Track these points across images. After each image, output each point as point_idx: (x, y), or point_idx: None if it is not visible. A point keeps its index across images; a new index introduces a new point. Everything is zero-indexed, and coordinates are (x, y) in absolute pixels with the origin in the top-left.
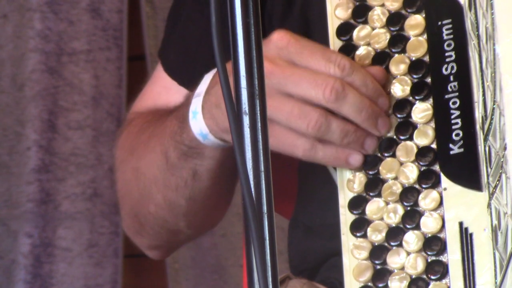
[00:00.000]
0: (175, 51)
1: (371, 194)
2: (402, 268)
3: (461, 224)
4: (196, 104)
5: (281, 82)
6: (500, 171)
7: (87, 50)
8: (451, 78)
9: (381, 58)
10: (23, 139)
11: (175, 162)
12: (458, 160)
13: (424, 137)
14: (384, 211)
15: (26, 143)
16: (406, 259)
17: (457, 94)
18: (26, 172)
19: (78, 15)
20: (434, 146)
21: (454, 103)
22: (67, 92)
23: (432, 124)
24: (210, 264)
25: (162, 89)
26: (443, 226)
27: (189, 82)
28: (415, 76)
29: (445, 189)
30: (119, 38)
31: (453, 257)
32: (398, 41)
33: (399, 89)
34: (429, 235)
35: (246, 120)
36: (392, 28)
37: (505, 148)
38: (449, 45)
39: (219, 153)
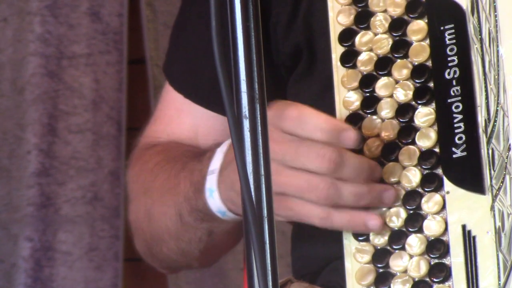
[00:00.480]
0: (179, 64)
1: None
2: (405, 271)
3: (464, 227)
4: (211, 182)
5: (282, 158)
6: (504, 172)
7: (87, 53)
8: (454, 82)
9: (384, 63)
10: (23, 142)
11: (189, 222)
12: (461, 163)
13: (426, 139)
14: (386, 215)
15: (26, 146)
16: (409, 262)
17: (459, 98)
18: (26, 175)
19: (78, 18)
20: (437, 150)
21: (457, 107)
22: (67, 96)
23: (435, 127)
24: (211, 267)
25: (173, 112)
26: (446, 229)
27: (197, 94)
28: (417, 80)
29: (448, 192)
30: (119, 41)
31: (456, 260)
32: (401, 46)
33: (402, 93)
34: (432, 238)
35: (246, 124)
36: (394, 34)
37: (509, 149)
38: (451, 49)
39: (236, 219)
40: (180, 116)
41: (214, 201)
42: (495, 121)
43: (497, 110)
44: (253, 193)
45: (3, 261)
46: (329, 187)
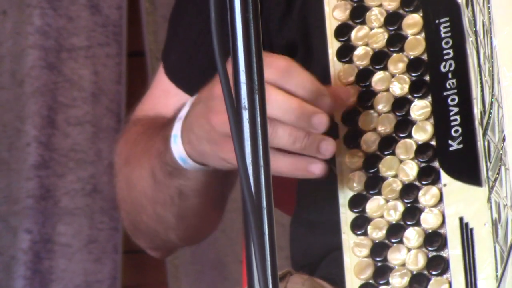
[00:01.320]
0: (176, 54)
1: (371, 192)
2: (403, 265)
3: (461, 219)
4: (177, 128)
5: None
6: (500, 164)
7: (86, 46)
8: (450, 75)
9: (380, 57)
10: (23, 135)
11: (161, 180)
12: (457, 156)
13: (423, 132)
14: (384, 209)
15: (26, 139)
16: (407, 256)
17: (455, 91)
18: (25, 168)
19: (78, 11)
20: (433, 143)
21: (452, 100)
22: (67, 88)
23: (431, 121)
24: (210, 259)
25: (161, 92)
26: (443, 222)
27: (188, 85)
28: (413, 74)
29: (445, 185)
30: (118, 34)
31: (454, 252)
32: (396, 40)
33: (398, 87)
34: (430, 231)
35: (245, 115)
36: (390, 28)
37: (504, 140)
38: (447, 43)
39: (202, 175)
40: (167, 97)
41: (177, 146)
42: (490, 113)
43: (492, 102)
44: (252, 184)
45: (2, 253)
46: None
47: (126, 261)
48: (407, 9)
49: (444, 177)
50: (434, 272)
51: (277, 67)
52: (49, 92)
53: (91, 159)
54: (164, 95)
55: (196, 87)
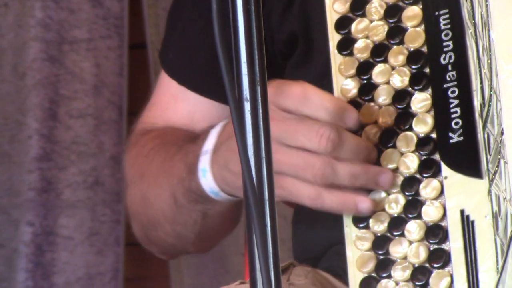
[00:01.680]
0: (174, 51)
1: None
2: (405, 258)
3: (462, 212)
4: (204, 163)
5: (280, 136)
6: (499, 157)
7: (88, 38)
8: (450, 67)
9: (380, 50)
10: (24, 128)
11: (184, 204)
12: (458, 148)
13: (423, 125)
14: (385, 202)
15: (27, 131)
16: (409, 248)
17: (455, 83)
18: (27, 160)
19: (79, 3)
20: (434, 135)
21: (453, 92)
22: (68, 81)
23: (431, 113)
24: (212, 252)
25: (169, 98)
26: (444, 214)
27: (190, 81)
28: (413, 66)
29: (445, 177)
30: (120, 26)
31: (455, 245)
32: (396, 32)
33: (398, 80)
34: (431, 224)
35: (247, 106)
36: (390, 20)
37: (502, 133)
38: (446, 34)
39: (229, 200)
40: (175, 103)
41: (207, 181)
42: (489, 105)
43: (491, 95)
44: (254, 176)
45: (4, 246)
46: (325, 166)
47: (128, 253)
48: (406, 1)
49: (445, 169)
50: (435, 265)
51: (294, 95)
52: (50, 84)
53: (92, 152)
54: (173, 101)
55: (199, 82)
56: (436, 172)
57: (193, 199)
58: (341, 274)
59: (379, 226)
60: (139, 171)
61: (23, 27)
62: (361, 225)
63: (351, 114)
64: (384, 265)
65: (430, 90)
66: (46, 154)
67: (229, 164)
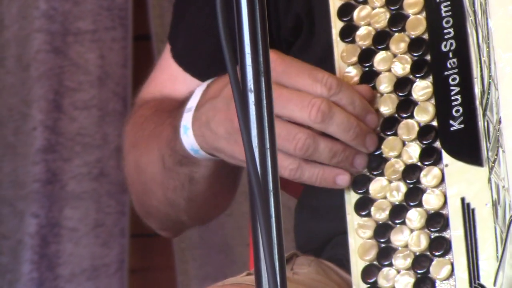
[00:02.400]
0: (183, 38)
1: (374, 173)
2: (406, 246)
3: (463, 200)
4: (187, 120)
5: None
6: (497, 145)
7: (92, 30)
8: (450, 55)
9: (381, 37)
10: (29, 119)
11: (171, 167)
12: (458, 136)
13: (425, 113)
14: (387, 190)
15: (32, 123)
16: (410, 237)
17: (456, 70)
18: (32, 152)
19: None
20: (434, 123)
21: (453, 79)
22: (73, 72)
23: (432, 101)
24: (217, 243)
25: (168, 77)
26: (445, 202)
27: (196, 70)
28: (415, 54)
29: (446, 165)
30: (124, 17)
31: (455, 233)
32: (398, 20)
33: (400, 67)
34: (432, 212)
35: (251, 97)
36: (391, 7)
37: (499, 122)
38: (447, 22)
39: (213, 162)
40: (174, 83)
41: (188, 138)
42: (488, 93)
43: (489, 83)
44: (258, 167)
45: (9, 237)
46: (306, 138)
47: (133, 244)
48: None
49: (446, 157)
50: (436, 253)
51: (330, 84)
52: (55, 76)
53: (97, 143)
54: (171, 80)
55: (204, 71)
56: (437, 160)
57: (178, 161)
58: (344, 263)
59: (380, 214)
60: (133, 140)
61: (27, 18)
62: (363, 213)
63: (374, 117)
64: (385, 254)
65: (431, 77)
66: (50, 146)
67: (211, 122)
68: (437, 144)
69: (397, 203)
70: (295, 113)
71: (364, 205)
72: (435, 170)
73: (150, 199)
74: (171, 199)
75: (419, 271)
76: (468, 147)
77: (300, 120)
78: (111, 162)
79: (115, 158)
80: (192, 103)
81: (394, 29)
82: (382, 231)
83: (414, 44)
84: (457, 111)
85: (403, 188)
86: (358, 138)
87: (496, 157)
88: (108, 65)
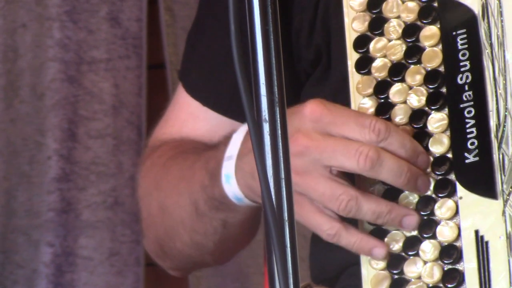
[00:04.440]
0: (197, 71)
1: None
2: (419, 277)
3: (477, 232)
4: (228, 169)
5: (317, 157)
6: None
7: (106, 58)
8: (466, 87)
9: (397, 69)
10: (44, 148)
11: (205, 212)
12: (473, 169)
13: (439, 145)
14: None
15: (47, 152)
16: (423, 268)
17: (472, 103)
18: (46, 181)
19: (97, 24)
20: (449, 155)
21: (469, 112)
22: (87, 101)
23: (448, 133)
24: (232, 271)
25: (188, 116)
26: (459, 234)
27: (213, 102)
28: (430, 86)
29: (461, 198)
30: (138, 46)
31: (469, 265)
32: (414, 52)
33: (415, 99)
34: (445, 244)
35: (266, 127)
36: (408, 40)
37: None
38: (463, 54)
39: (250, 208)
40: (195, 122)
41: (231, 187)
42: (504, 126)
43: (506, 115)
44: (273, 197)
45: (24, 266)
46: (349, 200)
47: (148, 273)
48: (424, 21)
49: (460, 189)
50: (449, 285)
51: (379, 129)
52: (69, 105)
53: (112, 172)
54: (192, 119)
55: (222, 103)
56: (452, 192)
57: (215, 206)
58: None
59: (394, 246)
60: (155, 181)
61: (41, 47)
62: None
63: (424, 157)
64: (398, 285)
65: (446, 110)
66: (65, 175)
67: (255, 172)
68: (452, 176)
69: (410, 234)
70: (344, 163)
71: (377, 236)
72: (450, 202)
73: (173, 241)
74: (199, 243)
75: None
76: (483, 180)
77: (350, 170)
78: (126, 191)
79: (129, 187)
80: (232, 151)
81: (410, 61)
82: (395, 262)
83: (430, 76)
84: (472, 143)
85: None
86: (411, 183)
87: (511, 189)
88: (123, 94)
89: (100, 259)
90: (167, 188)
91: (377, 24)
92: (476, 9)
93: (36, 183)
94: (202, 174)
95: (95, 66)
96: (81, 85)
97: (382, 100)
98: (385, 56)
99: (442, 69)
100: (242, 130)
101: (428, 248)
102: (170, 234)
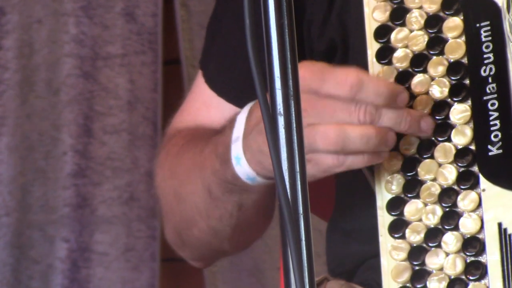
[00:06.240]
0: (215, 62)
1: (409, 195)
2: (441, 269)
3: (500, 224)
4: (237, 150)
5: (318, 117)
6: None
7: (122, 54)
8: (490, 79)
9: (419, 60)
10: (59, 144)
11: (219, 196)
12: (496, 161)
13: (462, 136)
14: (422, 212)
15: (62, 148)
16: (445, 260)
17: (495, 95)
18: (62, 177)
19: (113, 19)
20: (472, 147)
21: (492, 104)
22: (103, 97)
23: (471, 125)
24: (248, 267)
25: (202, 105)
26: (482, 227)
27: (230, 94)
28: (453, 78)
29: (483, 190)
30: (154, 42)
31: (492, 257)
32: (436, 43)
33: (438, 91)
34: (468, 236)
35: (281, 121)
36: (430, 30)
37: None
38: (487, 47)
39: (264, 187)
40: (208, 110)
41: (242, 168)
42: None
43: None
44: (288, 190)
45: (40, 262)
46: (335, 133)
47: (164, 269)
48: (447, 12)
49: (483, 182)
50: (472, 278)
51: (351, 83)
52: (85, 100)
53: (127, 167)
54: (205, 108)
55: (238, 95)
56: (474, 184)
57: (229, 189)
58: (375, 287)
59: (415, 237)
60: (170, 170)
61: (57, 43)
62: (396, 235)
63: (403, 95)
64: (419, 276)
65: (469, 101)
66: (81, 170)
67: (263, 147)
68: (475, 168)
69: (432, 226)
70: (346, 120)
71: (398, 227)
72: (473, 194)
73: (190, 229)
74: (216, 228)
75: None
76: (506, 172)
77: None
78: (141, 186)
79: (145, 182)
80: (238, 133)
81: (432, 52)
82: (416, 253)
83: (453, 68)
84: (495, 136)
85: (439, 211)
86: (413, 126)
87: None
88: (138, 89)
89: (115, 254)
90: (180, 176)
91: (399, 14)
92: (500, 1)
93: (52, 179)
94: (212, 159)
95: (111, 62)
96: (97, 81)
97: None
98: (406, 47)
99: (465, 60)
100: (244, 111)
101: (451, 240)
102: (187, 221)
